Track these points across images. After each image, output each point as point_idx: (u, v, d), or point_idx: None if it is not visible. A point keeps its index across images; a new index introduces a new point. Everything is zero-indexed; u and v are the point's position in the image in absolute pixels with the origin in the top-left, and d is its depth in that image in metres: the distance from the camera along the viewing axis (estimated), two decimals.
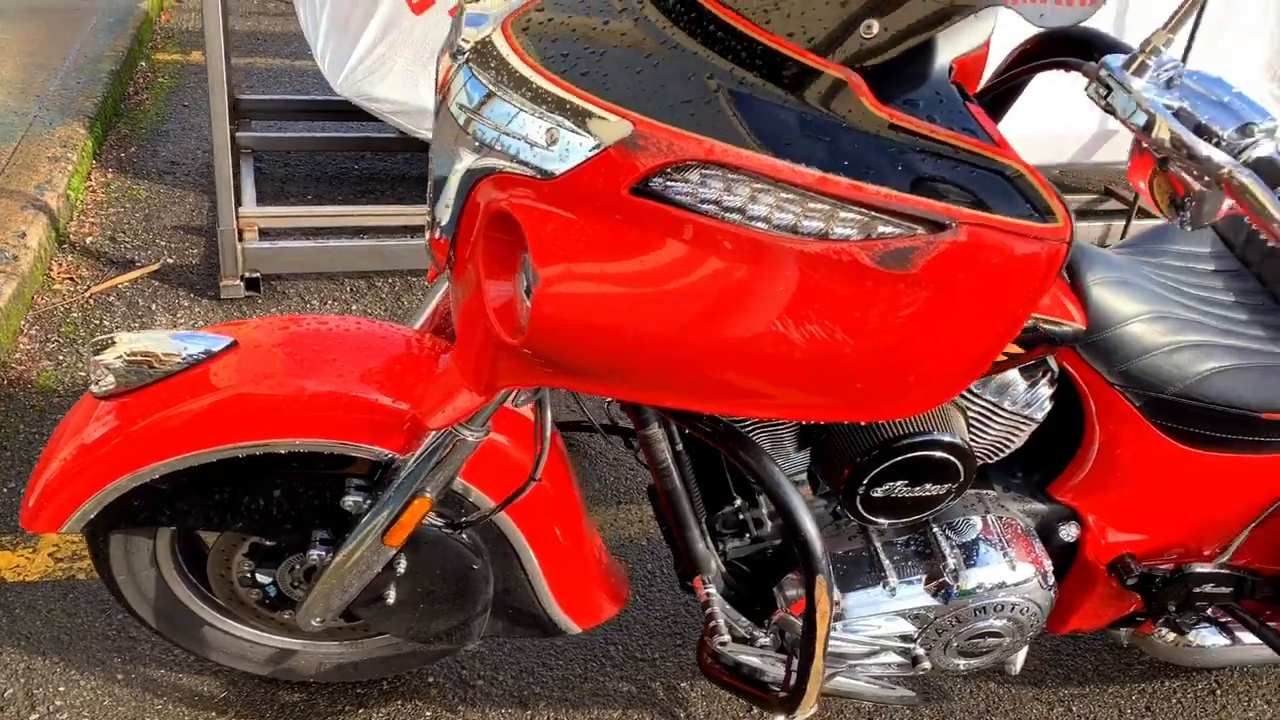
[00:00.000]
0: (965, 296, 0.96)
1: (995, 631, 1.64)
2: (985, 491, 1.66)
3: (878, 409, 1.10)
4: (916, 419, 1.40)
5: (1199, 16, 3.33)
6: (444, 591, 1.55)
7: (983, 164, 0.94)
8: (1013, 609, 1.61)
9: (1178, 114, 1.06)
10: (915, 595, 1.58)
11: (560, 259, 0.98)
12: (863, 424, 1.40)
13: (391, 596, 1.52)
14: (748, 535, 1.64)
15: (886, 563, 1.59)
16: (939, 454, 1.42)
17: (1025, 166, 0.95)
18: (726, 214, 0.93)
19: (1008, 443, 1.58)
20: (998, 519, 1.63)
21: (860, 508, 1.45)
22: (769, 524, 1.63)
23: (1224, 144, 1.03)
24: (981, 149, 0.94)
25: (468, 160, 1.06)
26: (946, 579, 1.57)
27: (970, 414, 1.51)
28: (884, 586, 1.58)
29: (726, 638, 1.45)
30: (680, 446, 1.52)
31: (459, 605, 1.57)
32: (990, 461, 1.61)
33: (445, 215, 1.12)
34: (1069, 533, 1.68)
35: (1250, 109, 1.06)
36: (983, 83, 1.38)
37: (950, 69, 1.02)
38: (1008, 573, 1.59)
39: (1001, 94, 1.36)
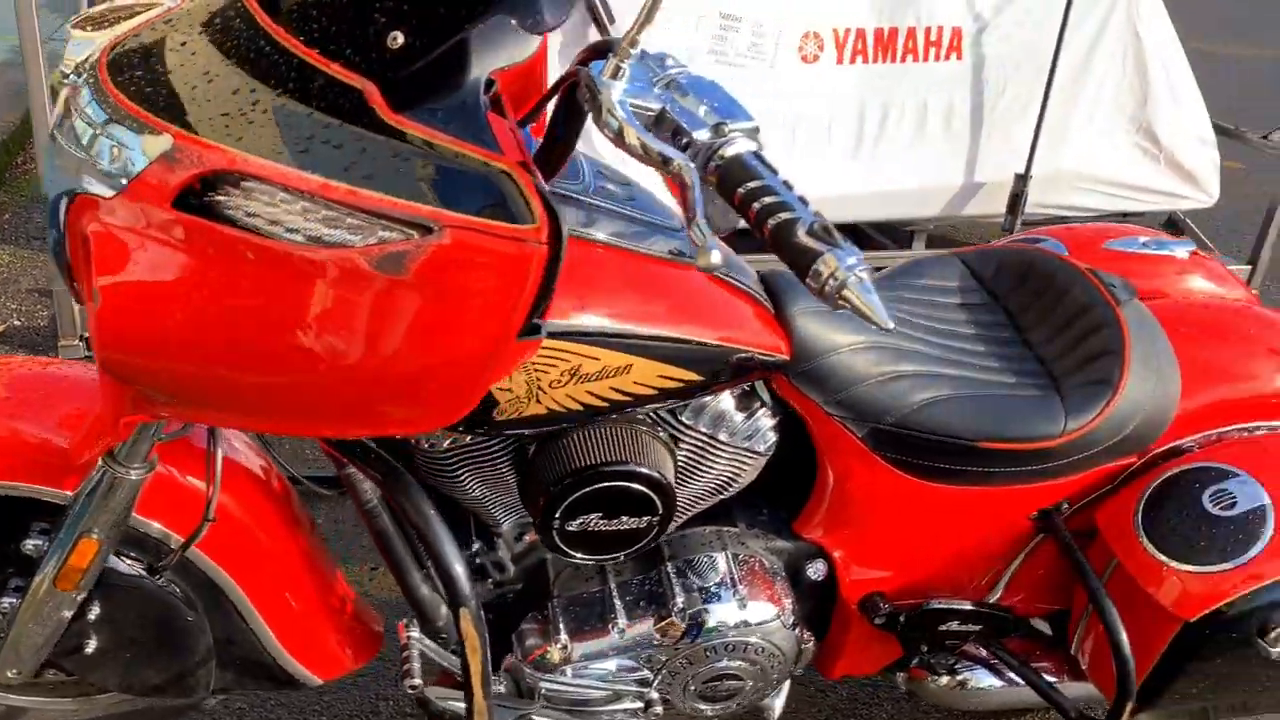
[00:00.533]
0: (456, 299, 0.95)
1: (733, 674, 1.59)
2: (727, 528, 1.62)
3: (410, 421, 1.08)
4: (612, 449, 1.38)
5: (1053, 69, 3.38)
6: (150, 640, 1.50)
7: (476, 169, 0.93)
8: (750, 650, 1.57)
9: (660, 117, 1.06)
10: (643, 637, 1.54)
11: (116, 276, 0.97)
12: (556, 452, 1.38)
13: (91, 645, 1.48)
14: (489, 580, 1.60)
15: (618, 604, 1.55)
16: (635, 486, 1.39)
17: (520, 171, 0.94)
18: (258, 225, 0.92)
19: (735, 478, 1.55)
20: (735, 556, 1.59)
21: (559, 541, 1.41)
22: (511, 568, 1.60)
23: (693, 145, 1.02)
24: (479, 154, 0.93)
25: (61, 181, 1.05)
26: (675, 619, 1.53)
27: (685, 447, 1.48)
28: (613, 628, 1.54)
29: (417, 681, 1.40)
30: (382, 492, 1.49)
31: (172, 655, 1.52)
32: (723, 496, 1.58)
33: (51, 238, 1.11)
34: (817, 571, 1.65)
35: (728, 109, 1.05)
36: None
37: (490, 82, 1.02)
38: (742, 612, 1.55)
39: (568, 110, 1.31)
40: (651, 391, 1.32)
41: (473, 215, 0.91)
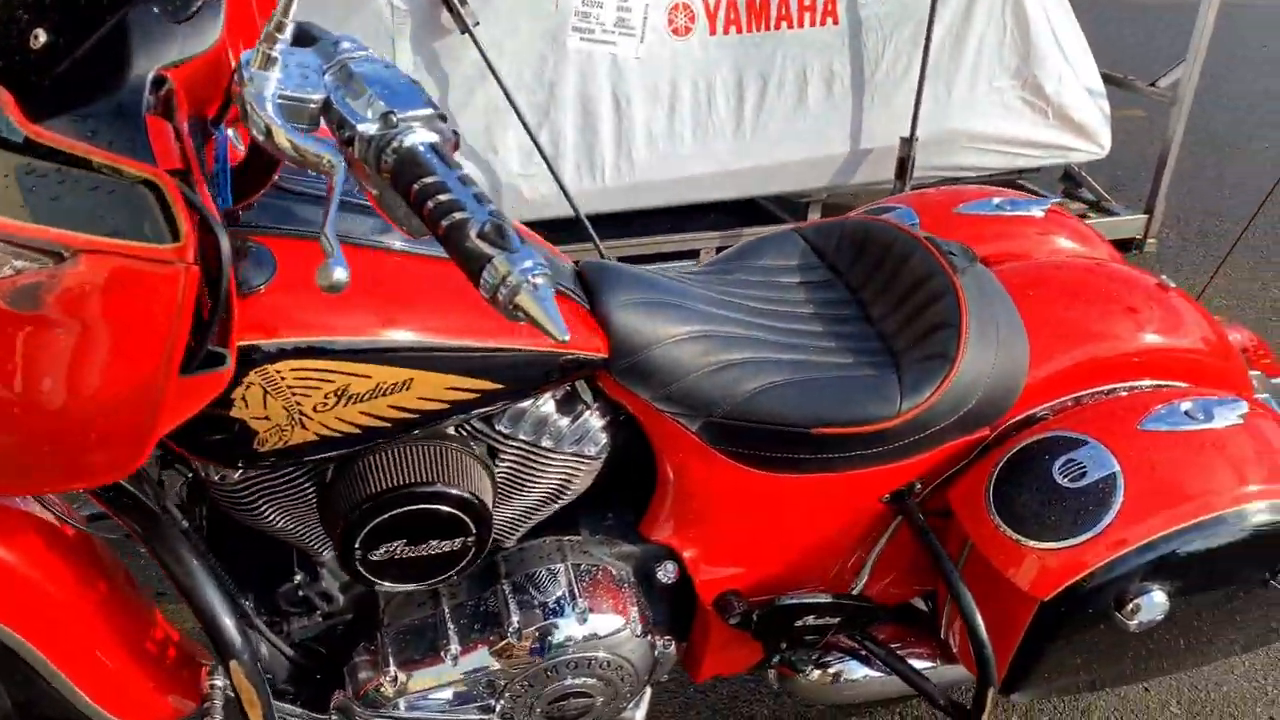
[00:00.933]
0: (100, 333, 0.84)
1: (581, 691, 1.50)
2: (568, 538, 1.53)
3: (74, 475, 0.97)
4: (412, 470, 1.27)
5: (930, 28, 3.31)
6: None
7: (120, 183, 0.82)
8: (596, 665, 1.48)
9: (326, 108, 0.95)
10: (478, 661, 1.44)
11: None
12: (352, 476, 1.27)
13: None
14: (317, 613, 1.50)
15: (451, 629, 1.45)
16: (442, 508, 1.29)
17: (166, 181, 0.83)
18: None
19: (568, 484, 1.45)
20: (577, 567, 1.50)
21: (363, 571, 1.31)
22: (340, 598, 1.49)
23: (359, 139, 0.92)
24: (123, 164, 0.82)
25: None
26: (513, 640, 1.43)
27: (506, 458, 1.38)
28: (447, 655, 1.44)
29: None
30: (187, 525, 1.37)
31: None
32: (560, 504, 1.49)
33: None
34: (668, 573, 1.56)
35: (403, 97, 0.93)
36: None
37: (160, 80, 0.91)
38: (584, 627, 1.45)
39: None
40: (442, 405, 1.22)
41: (105, 236, 0.80)
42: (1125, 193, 4.41)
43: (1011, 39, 3.58)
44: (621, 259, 3.27)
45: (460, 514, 1.29)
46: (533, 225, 3.27)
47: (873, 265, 1.61)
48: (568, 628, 1.45)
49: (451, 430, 1.33)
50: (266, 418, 1.12)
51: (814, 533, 1.56)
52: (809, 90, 3.40)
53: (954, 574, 1.47)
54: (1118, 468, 1.42)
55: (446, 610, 1.47)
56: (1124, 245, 4.00)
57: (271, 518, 1.33)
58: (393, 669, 1.42)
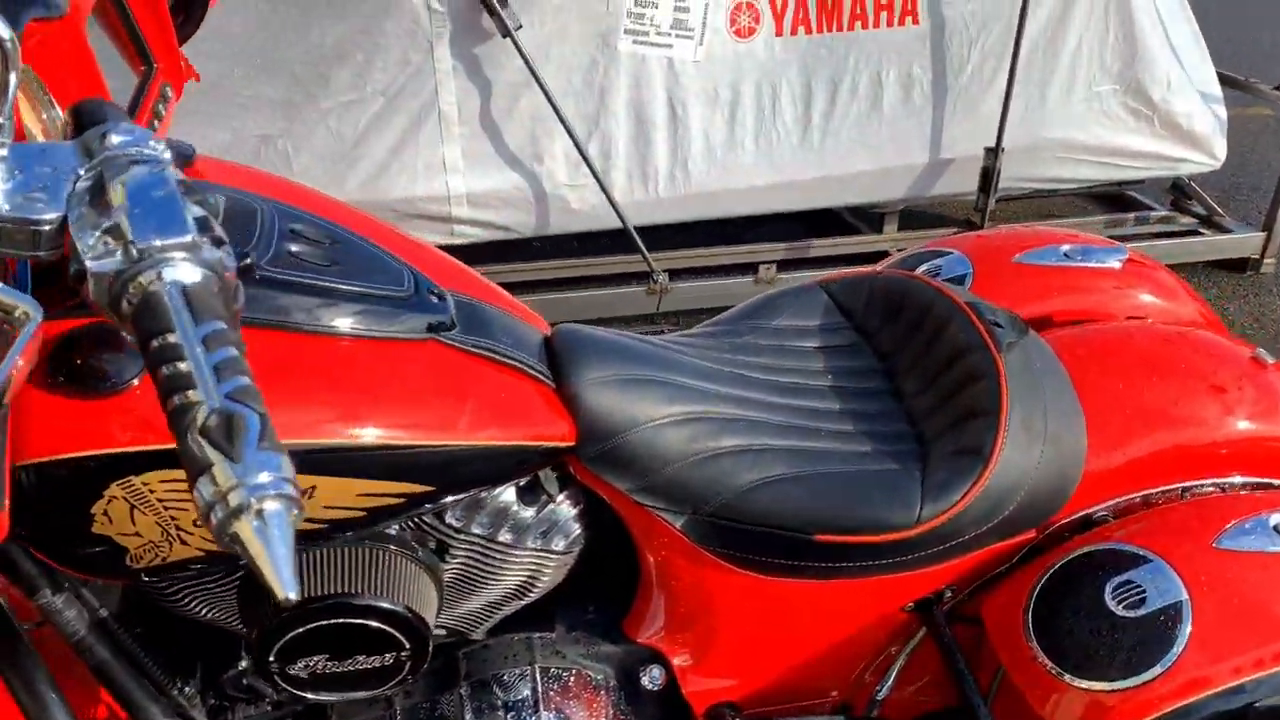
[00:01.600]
0: None
1: None
2: (539, 635, 1.35)
3: None
4: (332, 578, 1.10)
5: (1020, 28, 3.03)
6: None
7: None
8: None
9: (60, 230, 0.74)
10: None
11: None
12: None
13: None
14: (265, 702, 1.35)
15: None
16: (367, 622, 1.12)
17: None
18: None
19: (534, 580, 1.27)
20: (546, 671, 1.32)
21: (283, 684, 1.15)
22: None
23: (90, 277, 0.70)
24: None
25: None
26: None
27: (458, 555, 1.21)
28: None
29: None
30: (106, 613, 1.23)
31: None
32: (527, 600, 1.31)
33: None
34: (654, 679, 1.37)
35: (161, 217, 0.70)
36: None
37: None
38: None
39: None
40: (358, 514, 1.05)
41: None
42: (1243, 205, 4.02)
43: (1115, 40, 3.26)
44: (672, 272, 3.10)
45: (389, 629, 1.12)
46: (581, 238, 3.05)
47: (906, 330, 1.39)
48: None
49: (392, 529, 1.16)
50: (137, 534, 0.96)
51: (822, 642, 1.35)
52: (885, 95, 3.15)
53: (980, 706, 1.25)
54: (1185, 595, 1.17)
55: (399, 711, 1.31)
56: (1237, 266, 3.64)
57: (204, 613, 1.18)
58: None
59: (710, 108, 3.01)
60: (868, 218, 3.60)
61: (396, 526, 1.16)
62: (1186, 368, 1.40)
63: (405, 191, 2.83)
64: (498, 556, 1.23)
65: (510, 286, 3.33)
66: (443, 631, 1.30)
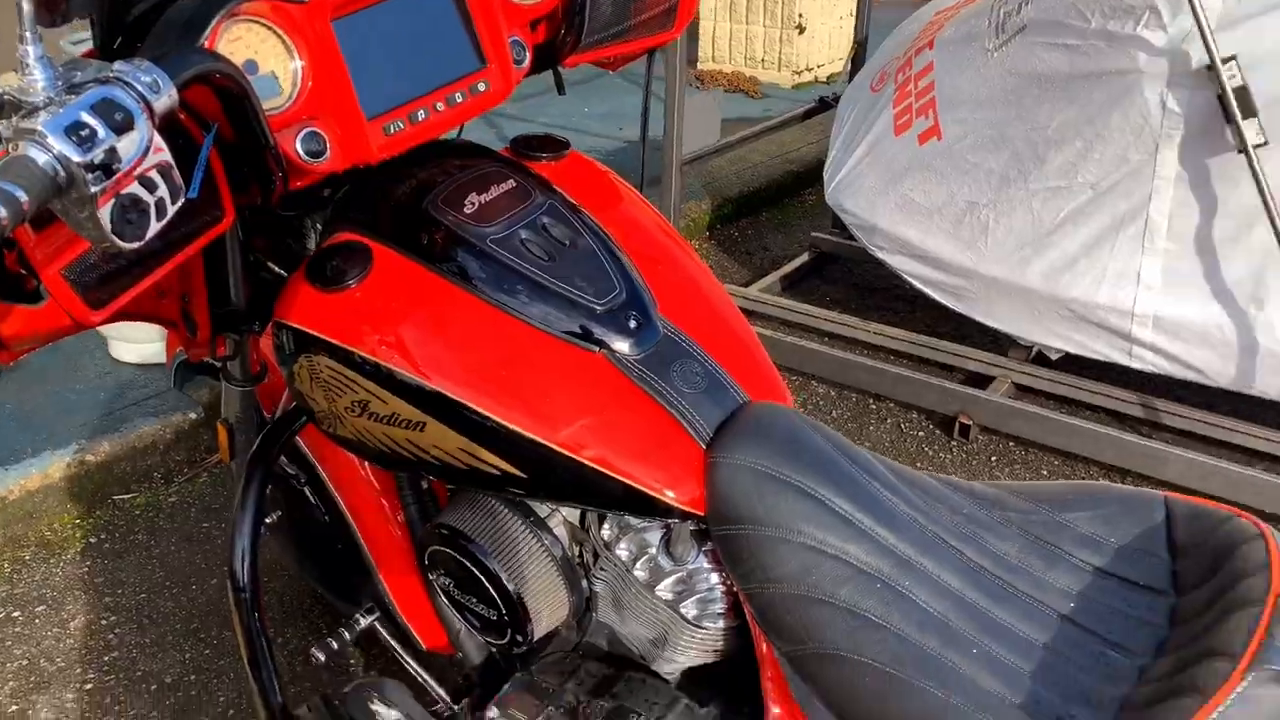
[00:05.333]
0: None
1: None
2: (688, 702, 1.29)
3: None
4: (487, 532, 1.21)
5: None
6: None
7: None
8: None
9: None
10: None
11: None
12: (454, 495, 1.29)
13: None
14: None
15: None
16: (484, 576, 1.22)
17: None
18: None
19: (669, 644, 1.24)
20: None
21: (428, 569, 1.30)
22: None
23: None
24: None
25: None
26: None
27: (603, 573, 1.25)
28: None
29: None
30: None
31: None
32: (673, 665, 1.26)
33: None
34: None
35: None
36: None
37: None
38: None
39: None
40: (459, 465, 1.16)
41: None
42: None
43: None
44: None
45: (495, 594, 1.22)
46: None
47: (1217, 600, 0.97)
48: None
49: (560, 522, 1.25)
50: (315, 400, 1.22)
51: None
52: None
53: None
54: None
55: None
56: None
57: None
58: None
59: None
60: None
61: (564, 522, 1.25)
62: None
63: (1087, 294, 2.59)
64: (632, 591, 1.23)
65: (1177, 434, 2.86)
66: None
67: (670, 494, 1.11)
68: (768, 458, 1.10)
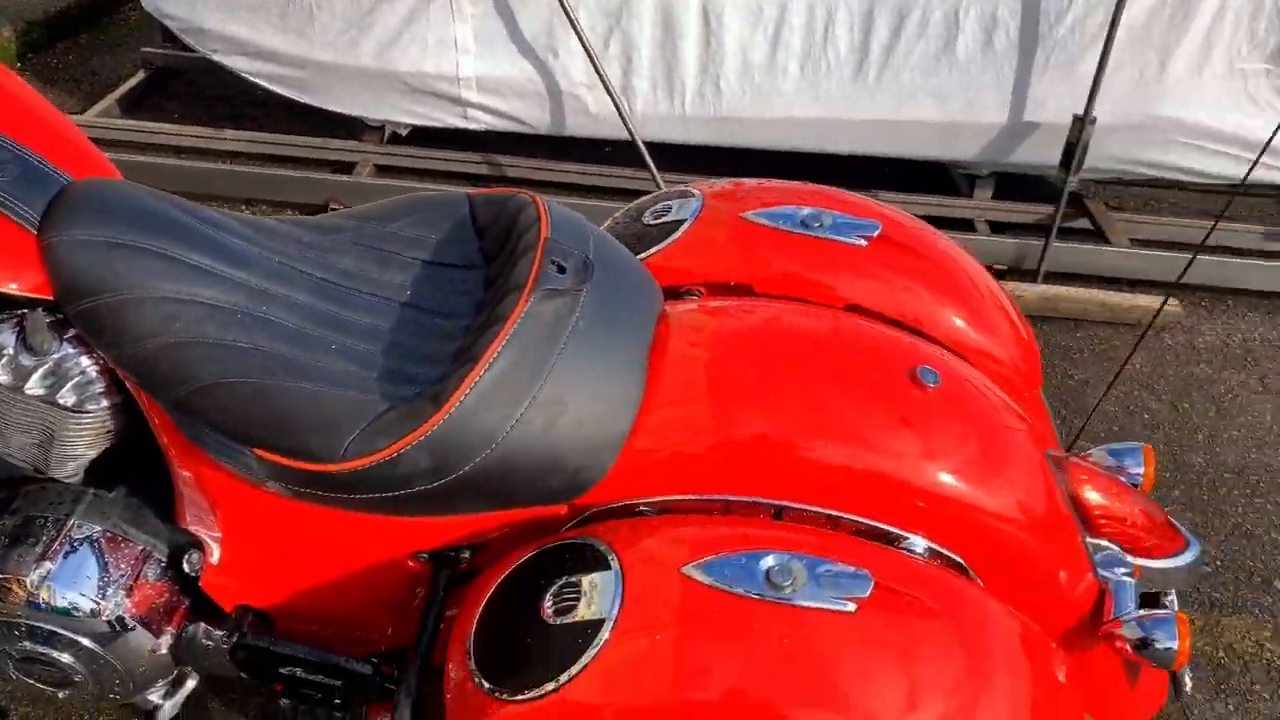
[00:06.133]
0: None
1: (51, 661, 1.32)
2: (95, 491, 1.32)
3: None
4: None
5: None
6: None
7: None
8: (61, 643, 1.28)
9: None
10: None
11: None
12: None
13: None
14: None
15: None
16: None
17: None
18: None
19: (51, 433, 1.24)
20: (79, 525, 1.29)
21: None
22: None
23: None
24: None
25: None
26: None
27: None
28: None
29: None
30: None
31: None
32: (74, 458, 1.28)
33: None
34: (193, 565, 1.32)
35: None
36: None
37: None
38: (47, 593, 1.26)
39: None
40: None
41: None
42: None
43: (1275, 8, 2.67)
44: None
45: None
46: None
47: (507, 258, 1.22)
48: (32, 588, 1.26)
49: None
50: None
51: (340, 570, 1.25)
52: (961, 37, 2.75)
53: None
54: (614, 613, 0.98)
55: None
56: None
57: None
58: None
59: (751, 23, 2.75)
60: (948, 180, 3.20)
61: None
62: (818, 368, 1.16)
63: (415, 65, 2.80)
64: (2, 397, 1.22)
65: (515, 183, 3.23)
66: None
67: (13, 286, 1.11)
68: (107, 227, 1.14)
